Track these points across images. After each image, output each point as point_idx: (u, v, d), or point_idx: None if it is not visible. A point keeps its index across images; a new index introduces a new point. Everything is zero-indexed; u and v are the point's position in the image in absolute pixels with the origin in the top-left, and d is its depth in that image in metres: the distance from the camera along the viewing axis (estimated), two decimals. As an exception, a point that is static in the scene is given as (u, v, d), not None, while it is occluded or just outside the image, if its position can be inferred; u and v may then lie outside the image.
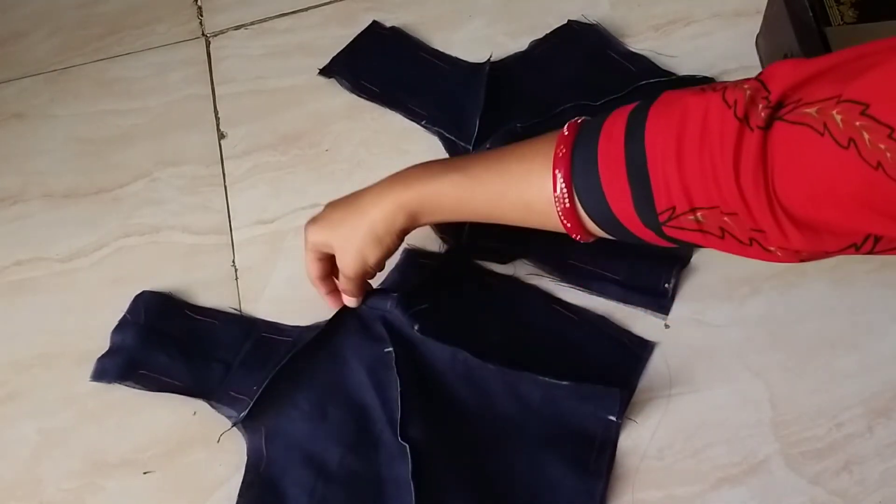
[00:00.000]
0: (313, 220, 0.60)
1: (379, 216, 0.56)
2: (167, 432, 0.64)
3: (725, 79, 0.73)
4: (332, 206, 0.60)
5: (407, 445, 0.57)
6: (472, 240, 0.68)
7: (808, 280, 0.64)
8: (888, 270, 0.63)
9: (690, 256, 0.66)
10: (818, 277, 0.64)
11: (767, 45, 0.72)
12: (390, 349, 0.61)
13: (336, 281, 0.63)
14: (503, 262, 0.67)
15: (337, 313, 0.64)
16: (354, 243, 0.57)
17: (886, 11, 0.64)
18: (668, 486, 0.58)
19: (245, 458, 0.61)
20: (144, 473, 0.63)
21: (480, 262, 0.68)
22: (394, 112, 0.77)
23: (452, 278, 0.66)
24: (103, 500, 0.62)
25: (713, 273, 0.65)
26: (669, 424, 0.60)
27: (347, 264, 0.58)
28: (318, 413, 0.62)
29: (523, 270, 0.67)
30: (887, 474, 0.56)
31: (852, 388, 0.59)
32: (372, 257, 0.58)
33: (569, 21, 0.79)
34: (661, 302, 0.64)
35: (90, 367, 0.67)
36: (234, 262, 0.72)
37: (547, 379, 0.59)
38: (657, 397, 0.61)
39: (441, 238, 0.69)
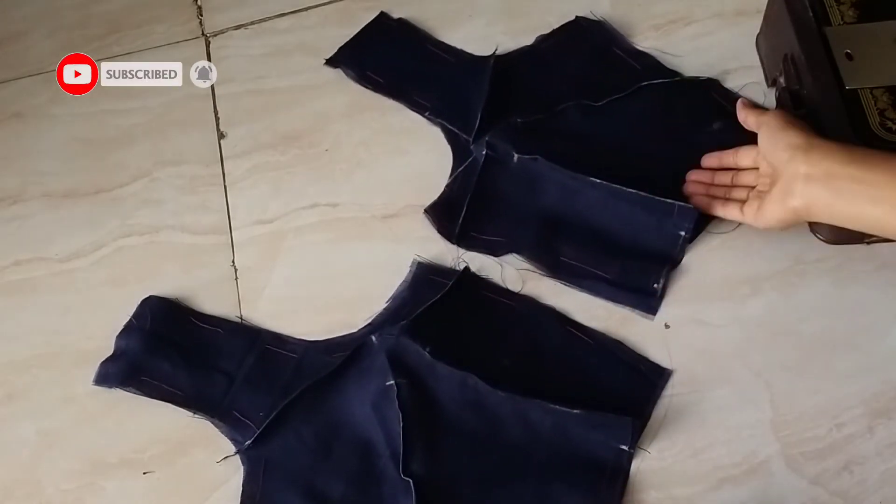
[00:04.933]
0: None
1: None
2: (167, 432, 0.64)
3: (727, 78, 0.73)
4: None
5: (410, 481, 0.57)
6: (465, 231, 0.68)
7: (809, 280, 0.64)
8: (888, 270, 0.63)
9: (682, 257, 0.65)
10: (818, 277, 0.64)
11: (768, 44, 0.72)
12: (391, 382, 0.60)
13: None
14: (495, 255, 0.67)
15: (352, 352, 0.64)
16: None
17: (886, 11, 0.64)
18: (668, 486, 0.58)
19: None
20: (144, 474, 0.63)
21: (495, 281, 0.67)
22: (394, 112, 0.77)
23: (465, 298, 0.66)
24: (103, 500, 0.62)
25: (713, 273, 0.65)
26: (670, 424, 0.60)
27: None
28: (323, 448, 0.61)
29: (516, 265, 0.67)
30: (888, 475, 0.56)
31: (852, 388, 0.59)
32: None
33: (576, 17, 0.79)
34: (649, 302, 0.64)
35: (89, 367, 0.67)
36: (233, 261, 0.72)
37: (557, 407, 0.59)
38: (658, 397, 0.61)
39: (435, 227, 0.69)
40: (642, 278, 0.64)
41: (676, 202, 0.64)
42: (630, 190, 0.65)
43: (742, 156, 0.64)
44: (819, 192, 0.54)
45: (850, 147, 0.54)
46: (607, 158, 0.69)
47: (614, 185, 0.66)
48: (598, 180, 0.66)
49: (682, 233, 0.65)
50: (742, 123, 0.63)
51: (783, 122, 0.58)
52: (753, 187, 0.63)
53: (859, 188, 0.52)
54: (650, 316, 0.64)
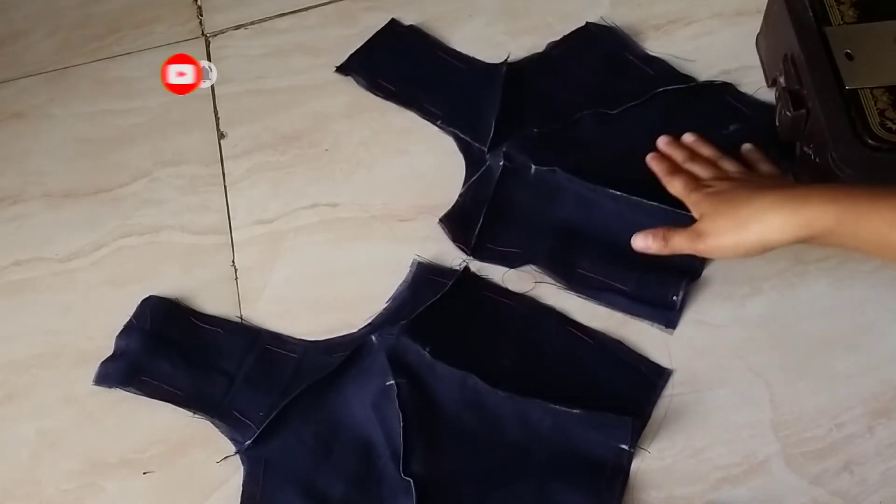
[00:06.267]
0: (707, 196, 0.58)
1: (777, 233, 0.53)
2: (167, 432, 0.64)
3: (726, 78, 0.73)
4: (720, 207, 0.56)
5: (411, 481, 0.57)
6: (480, 242, 0.68)
7: (809, 280, 0.64)
8: (888, 270, 0.63)
9: (701, 269, 0.65)
10: (818, 277, 0.64)
11: (768, 44, 0.72)
12: (391, 382, 0.60)
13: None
14: (511, 267, 0.67)
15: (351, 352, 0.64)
16: (739, 246, 0.55)
17: (886, 11, 0.64)
18: (668, 486, 0.58)
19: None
20: (144, 474, 0.63)
21: (495, 281, 0.67)
22: (394, 112, 0.77)
23: (465, 298, 0.66)
24: (103, 500, 0.62)
25: (713, 273, 0.65)
26: (670, 424, 0.60)
27: (714, 247, 0.56)
28: (323, 448, 0.61)
29: (531, 277, 0.67)
30: (888, 475, 0.56)
31: (852, 388, 0.59)
32: (747, 255, 0.56)
33: (587, 23, 0.78)
34: (667, 315, 0.63)
35: (89, 367, 0.67)
36: (233, 261, 0.72)
37: (558, 407, 0.59)
38: (658, 397, 0.61)
39: (450, 237, 0.68)
40: (660, 291, 0.63)
41: None
42: (650, 203, 0.65)
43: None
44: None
45: (800, 217, 0.52)
46: (625, 168, 0.69)
47: (634, 198, 0.65)
48: (618, 192, 0.66)
49: None
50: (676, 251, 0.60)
51: (729, 251, 0.56)
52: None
53: (841, 242, 0.52)
54: (669, 330, 0.63)
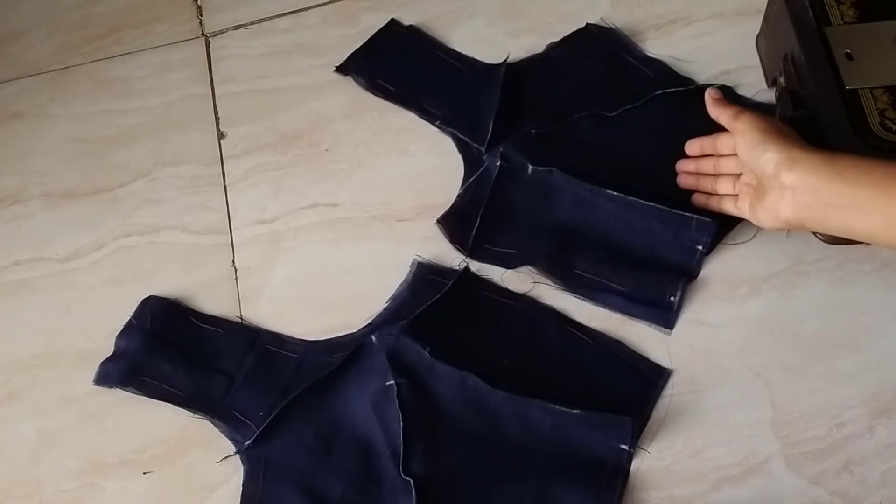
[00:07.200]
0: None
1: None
2: (167, 432, 0.64)
3: (726, 79, 0.73)
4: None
5: (410, 480, 0.57)
6: (478, 243, 0.68)
7: (809, 280, 0.64)
8: (888, 270, 0.63)
9: (699, 270, 0.65)
10: (818, 277, 0.64)
11: (768, 44, 0.72)
12: (391, 382, 0.60)
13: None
14: (508, 268, 0.67)
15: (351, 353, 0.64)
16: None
17: (886, 11, 0.64)
18: (668, 486, 0.58)
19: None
20: (144, 474, 0.63)
21: (494, 281, 0.67)
22: (394, 112, 0.77)
23: (465, 298, 0.66)
24: (103, 500, 0.62)
25: (713, 273, 0.65)
26: (670, 424, 0.60)
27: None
28: (323, 448, 0.61)
29: (530, 277, 0.67)
30: (888, 474, 0.56)
31: (852, 388, 0.59)
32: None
33: (587, 24, 0.78)
34: (665, 315, 0.63)
35: (89, 367, 0.67)
36: (233, 261, 0.72)
37: (558, 407, 0.59)
38: (658, 397, 0.61)
39: (448, 237, 0.68)
40: (658, 291, 0.64)
41: (695, 216, 0.63)
42: (647, 203, 0.65)
43: (722, 143, 0.62)
44: (809, 212, 0.53)
45: (835, 159, 0.53)
46: (622, 169, 0.69)
47: (631, 198, 0.65)
48: (615, 193, 0.66)
49: (700, 247, 0.64)
50: (714, 118, 0.61)
51: (760, 133, 0.56)
52: (739, 175, 0.61)
53: (850, 204, 0.51)
54: (667, 330, 0.63)
